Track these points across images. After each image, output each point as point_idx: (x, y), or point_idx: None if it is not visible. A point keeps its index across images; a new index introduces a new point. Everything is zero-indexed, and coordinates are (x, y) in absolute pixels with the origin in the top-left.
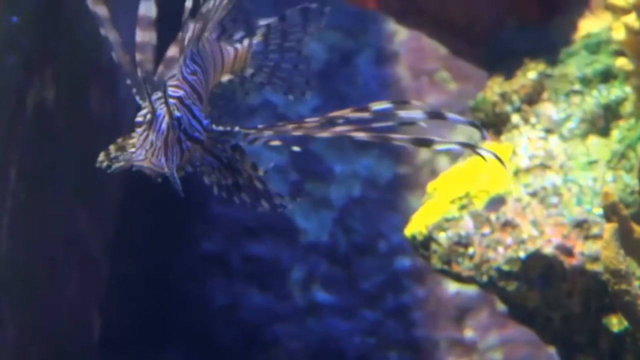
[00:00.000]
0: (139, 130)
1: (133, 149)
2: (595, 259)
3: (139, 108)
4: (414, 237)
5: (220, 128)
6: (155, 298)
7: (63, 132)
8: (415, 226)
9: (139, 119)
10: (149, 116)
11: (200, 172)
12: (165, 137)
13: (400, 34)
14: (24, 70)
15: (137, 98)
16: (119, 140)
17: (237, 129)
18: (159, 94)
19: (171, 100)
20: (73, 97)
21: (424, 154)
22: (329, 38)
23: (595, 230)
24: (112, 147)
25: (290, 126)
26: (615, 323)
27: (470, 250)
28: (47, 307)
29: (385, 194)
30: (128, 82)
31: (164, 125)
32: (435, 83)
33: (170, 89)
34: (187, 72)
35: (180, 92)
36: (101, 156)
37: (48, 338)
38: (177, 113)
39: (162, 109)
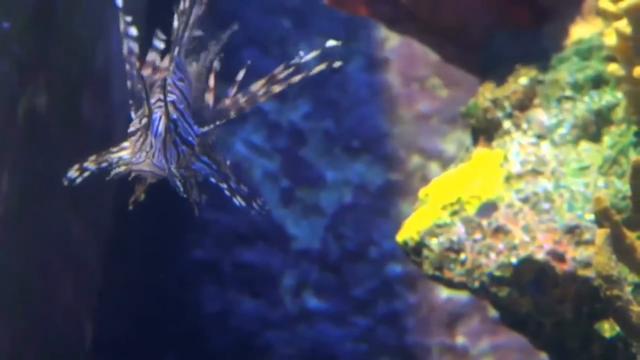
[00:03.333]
0: (134, 138)
1: (124, 155)
2: (587, 264)
3: (130, 121)
4: (405, 243)
5: (205, 128)
6: (148, 305)
7: (56, 139)
8: (407, 232)
9: (131, 129)
10: (144, 120)
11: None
12: (163, 139)
13: (391, 41)
14: (17, 77)
15: (132, 112)
16: (93, 157)
17: (216, 123)
18: (156, 97)
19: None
20: (66, 104)
21: (415, 160)
22: (319, 45)
23: (587, 235)
24: (88, 162)
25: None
26: (607, 329)
27: (462, 256)
28: (40, 314)
29: (377, 201)
30: (130, 101)
31: (161, 128)
32: (426, 89)
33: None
34: (176, 78)
35: (173, 97)
36: (73, 170)
37: (41, 345)
38: (173, 115)
39: (157, 113)
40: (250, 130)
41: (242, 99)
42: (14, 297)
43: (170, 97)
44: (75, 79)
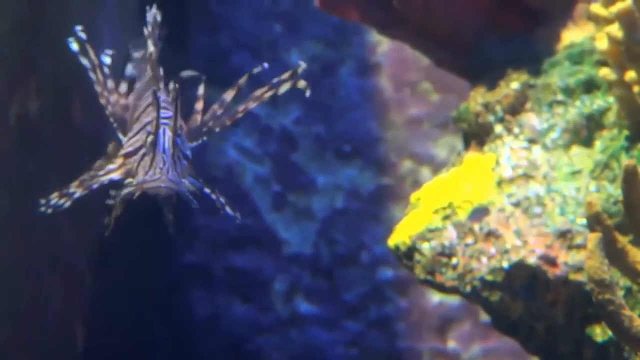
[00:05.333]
0: (136, 157)
1: (115, 176)
2: (579, 269)
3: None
4: (397, 248)
5: (194, 143)
6: (139, 310)
7: (46, 143)
8: (399, 236)
9: (128, 149)
10: (150, 138)
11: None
12: (172, 154)
13: (382, 45)
14: (7, 81)
15: (118, 133)
16: (75, 182)
17: (204, 138)
18: (150, 116)
19: (166, 121)
20: (56, 108)
21: (406, 165)
22: (310, 49)
23: (578, 240)
24: (71, 187)
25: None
26: (599, 333)
27: (454, 260)
28: (30, 319)
29: (368, 205)
30: (115, 125)
31: (168, 144)
32: (417, 94)
33: (162, 110)
34: (165, 95)
35: (169, 113)
36: (55, 197)
37: (32, 351)
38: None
39: (162, 129)
40: (242, 135)
41: (219, 110)
42: (3, 302)
43: (168, 112)
44: (66, 83)
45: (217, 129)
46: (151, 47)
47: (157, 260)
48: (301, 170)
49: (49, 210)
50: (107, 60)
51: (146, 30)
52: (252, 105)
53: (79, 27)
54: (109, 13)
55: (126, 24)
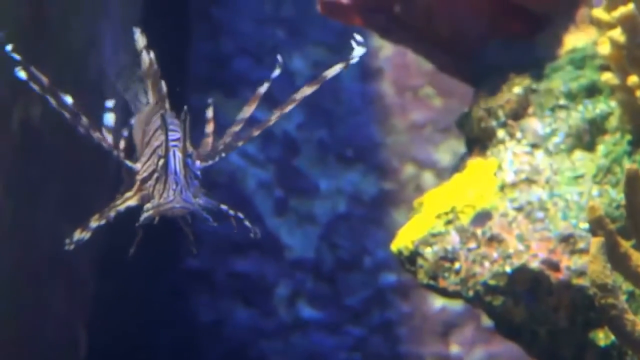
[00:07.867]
0: (151, 182)
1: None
2: (581, 273)
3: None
4: (400, 252)
5: (206, 164)
6: (142, 315)
7: (49, 149)
8: (402, 241)
9: (144, 175)
10: (161, 161)
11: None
12: (184, 175)
13: (384, 50)
14: (10, 87)
15: (127, 163)
16: (96, 216)
17: (215, 159)
18: (159, 140)
19: (174, 143)
20: (59, 114)
21: (408, 169)
22: (312, 54)
23: (581, 244)
24: (92, 221)
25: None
26: (602, 337)
27: (457, 265)
28: (32, 324)
29: (370, 210)
30: (114, 153)
31: (179, 165)
32: (419, 99)
33: (170, 133)
34: (172, 116)
35: (178, 134)
36: (78, 233)
37: (34, 356)
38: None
39: (172, 151)
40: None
41: (236, 128)
42: (6, 307)
43: (176, 134)
44: (67, 89)
45: (240, 143)
46: (151, 70)
47: (160, 265)
48: (304, 175)
49: (72, 247)
50: (69, 100)
51: (142, 71)
52: (290, 106)
53: (44, 80)
54: (110, 21)
55: (128, 34)
